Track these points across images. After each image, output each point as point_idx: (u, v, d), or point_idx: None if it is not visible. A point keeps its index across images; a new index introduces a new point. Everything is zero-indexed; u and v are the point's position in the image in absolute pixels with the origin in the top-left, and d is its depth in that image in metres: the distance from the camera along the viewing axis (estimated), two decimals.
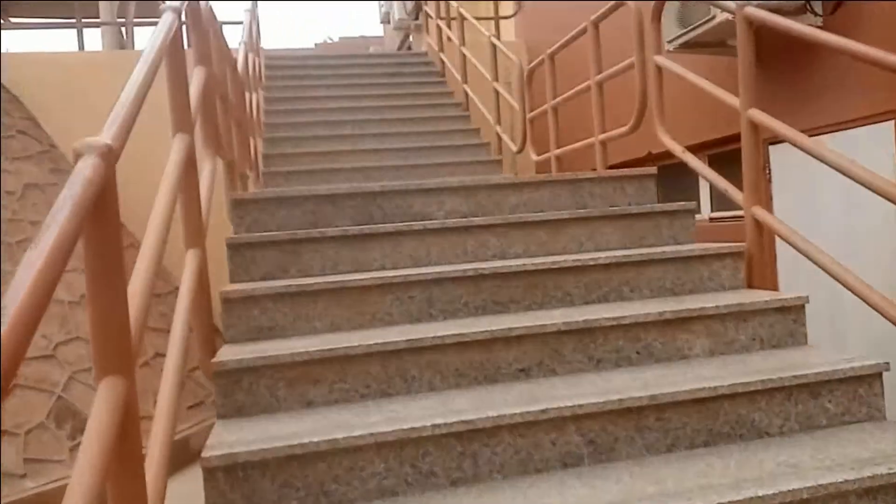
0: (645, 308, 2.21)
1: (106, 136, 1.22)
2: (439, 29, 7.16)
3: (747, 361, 2.08)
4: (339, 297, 2.24)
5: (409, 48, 14.99)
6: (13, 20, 10.29)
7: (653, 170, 3.11)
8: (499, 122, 5.63)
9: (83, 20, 7.60)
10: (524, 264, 2.35)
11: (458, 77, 6.45)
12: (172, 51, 2.06)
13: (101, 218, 1.15)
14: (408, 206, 2.89)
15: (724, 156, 4.85)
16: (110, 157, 1.17)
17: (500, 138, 5.58)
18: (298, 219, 2.79)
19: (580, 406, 1.75)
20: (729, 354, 2.19)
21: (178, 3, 2.11)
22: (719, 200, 5.05)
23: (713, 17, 3.80)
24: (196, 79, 2.60)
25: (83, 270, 4.50)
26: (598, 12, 3.66)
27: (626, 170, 3.09)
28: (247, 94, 4.83)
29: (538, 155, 4.84)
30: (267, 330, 2.19)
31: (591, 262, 2.39)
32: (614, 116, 4.12)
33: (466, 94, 6.35)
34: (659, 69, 3.13)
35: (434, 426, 1.67)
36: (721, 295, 2.40)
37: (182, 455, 5.24)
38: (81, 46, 7.79)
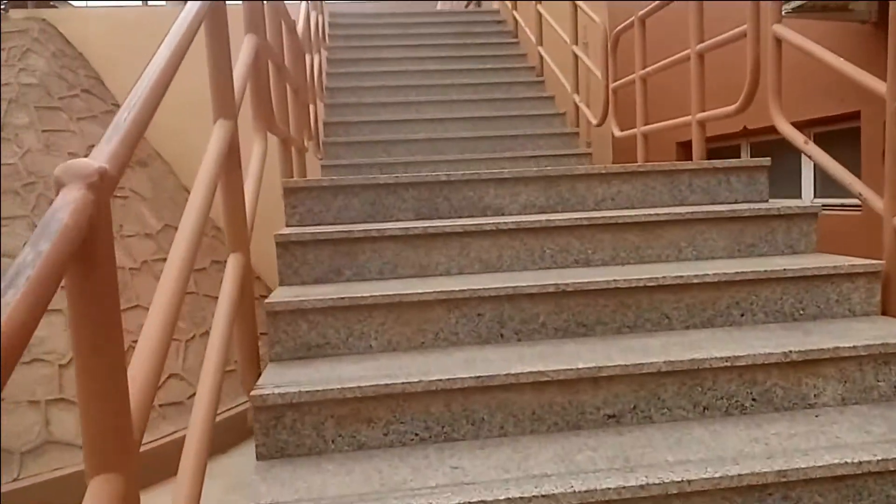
0: (763, 343, 1.83)
1: (100, 156, 0.93)
2: None
3: (892, 419, 1.69)
4: (398, 313, 1.94)
5: (479, 2, 14.36)
6: None
7: (765, 161, 2.66)
8: (577, 90, 5.16)
9: None
10: (614, 280, 1.99)
11: (533, 38, 5.97)
12: (213, 24, 1.76)
13: (88, 271, 0.87)
14: (478, 197, 2.55)
15: (826, 137, 4.30)
16: (103, 187, 0.88)
17: (577, 108, 5.13)
18: (356, 210, 2.50)
19: (688, 482, 1.42)
20: (864, 405, 1.80)
21: None
22: (825, 184, 4.50)
23: None
24: (246, 49, 2.31)
25: (145, 234, 4.35)
26: None
27: (732, 161, 2.65)
28: (307, 58, 4.53)
29: (621, 130, 4.38)
30: (316, 347, 1.93)
31: (696, 280, 2.01)
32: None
33: (541, 58, 5.89)
34: (778, 41, 2.65)
35: (509, 500, 1.37)
36: (853, 325, 1.99)
37: (241, 428, 5.17)
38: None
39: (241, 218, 1.82)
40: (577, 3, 4.99)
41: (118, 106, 6.98)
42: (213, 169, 1.59)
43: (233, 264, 1.79)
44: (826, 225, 4.12)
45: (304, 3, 4.72)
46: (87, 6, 8.01)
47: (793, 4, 3.63)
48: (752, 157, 5.22)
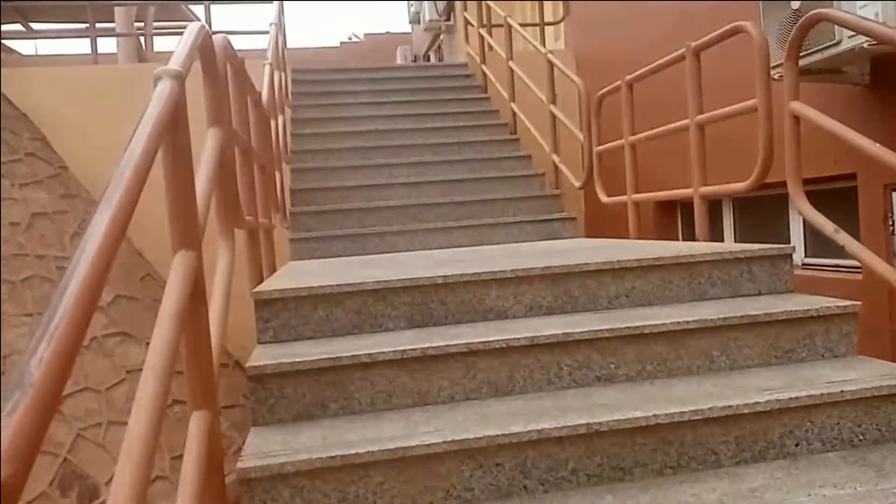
0: (836, 492, 1.55)
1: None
2: (481, 38, 6.50)
3: None
4: (400, 469, 1.61)
5: (440, 48, 14.35)
6: (30, 27, 9.80)
7: (789, 248, 2.43)
8: (556, 150, 4.95)
9: (97, 28, 7.06)
10: (654, 416, 1.69)
11: (506, 94, 5.78)
12: (171, 142, 1.44)
13: None
14: (477, 300, 2.25)
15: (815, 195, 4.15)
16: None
17: (556, 169, 4.91)
18: (340, 320, 2.17)
19: None
20: None
21: (177, 67, 1.48)
22: (816, 243, 4.34)
23: (838, 42, 3.11)
24: (210, 147, 2.00)
25: (99, 308, 3.81)
26: (703, 39, 2.96)
27: (754, 248, 2.41)
28: (272, 123, 4.23)
29: (608, 195, 4.16)
30: None
31: (747, 410, 1.73)
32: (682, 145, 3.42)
33: (514, 114, 5.69)
34: (796, 119, 2.45)
35: None
36: None
37: None
38: (95, 55, 7.25)
39: (208, 367, 1.48)
40: (554, 61, 4.81)
41: (65, 168, 6.54)
42: (172, 323, 1.25)
43: (197, 424, 1.44)
44: (816, 285, 3.94)
45: (267, 65, 4.44)
46: (32, 65, 7.58)
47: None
48: (734, 213, 5.07)
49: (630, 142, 3.70)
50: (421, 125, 5.69)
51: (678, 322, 2.02)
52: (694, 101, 3.03)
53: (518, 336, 1.94)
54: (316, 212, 4.46)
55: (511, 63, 5.70)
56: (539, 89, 5.07)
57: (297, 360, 1.83)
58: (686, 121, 3.09)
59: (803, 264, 4.40)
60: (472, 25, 6.90)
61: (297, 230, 4.40)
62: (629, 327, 1.99)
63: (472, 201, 4.62)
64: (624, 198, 3.83)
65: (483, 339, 1.93)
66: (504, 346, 1.94)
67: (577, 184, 4.51)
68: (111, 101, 6.39)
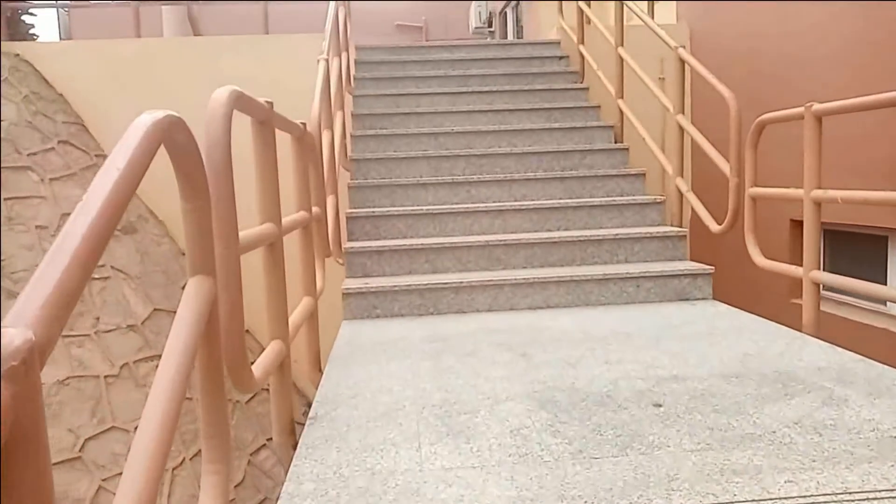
0: None
1: None
2: (580, 12, 5.35)
3: None
4: None
5: (518, 6, 13.04)
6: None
7: None
8: (681, 172, 3.88)
9: None
10: None
11: (612, 90, 4.68)
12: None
13: None
14: None
15: None
16: None
17: (681, 202, 3.85)
18: None
19: None
20: None
21: (25, 336, 0.58)
22: None
23: None
24: (187, 311, 1.12)
25: (128, 326, 2.81)
26: None
27: None
28: (326, 134, 3.35)
29: (765, 257, 3.09)
30: None
31: None
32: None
33: (621, 116, 4.61)
34: None
35: None
36: None
37: None
38: (138, 26, 6.48)
39: None
40: (690, 60, 3.69)
41: (103, 157, 5.83)
42: None
43: None
44: None
45: (322, 62, 3.52)
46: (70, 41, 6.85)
47: None
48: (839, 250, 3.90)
49: (815, 198, 2.61)
50: (506, 125, 4.69)
51: None
52: None
53: None
54: (377, 250, 3.57)
55: (621, 50, 4.58)
56: (649, 77, 4.00)
57: None
58: None
59: None
60: None
61: (353, 273, 3.53)
62: None
63: (573, 240, 3.63)
64: (796, 269, 2.77)
65: None
66: None
67: (714, 228, 3.45)
68: (156, 78, 5.63)
